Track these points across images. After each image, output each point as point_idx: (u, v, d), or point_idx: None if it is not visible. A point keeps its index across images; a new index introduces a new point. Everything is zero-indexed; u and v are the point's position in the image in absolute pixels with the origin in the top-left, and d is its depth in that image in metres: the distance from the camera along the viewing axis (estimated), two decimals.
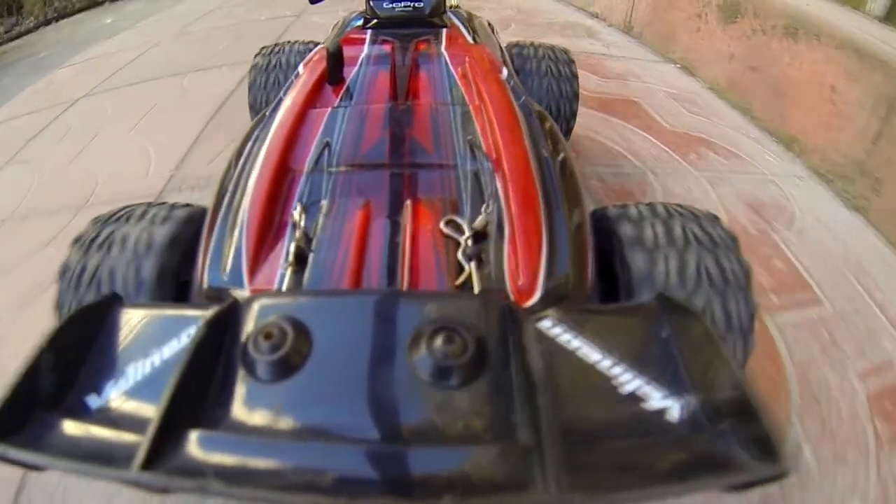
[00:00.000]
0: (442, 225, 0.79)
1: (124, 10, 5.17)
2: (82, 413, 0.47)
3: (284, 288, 0.71)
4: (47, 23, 4.88)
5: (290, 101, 1.11)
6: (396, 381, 0.48)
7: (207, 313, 0.52)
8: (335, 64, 1.21)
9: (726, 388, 0.45)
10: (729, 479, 0.39)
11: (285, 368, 0.48)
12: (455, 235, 0.77)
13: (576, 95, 1.70)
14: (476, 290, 0.70)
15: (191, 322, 0.54)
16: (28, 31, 4.70)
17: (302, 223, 0.80)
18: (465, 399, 0.46)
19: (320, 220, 0.82)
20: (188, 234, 0.89)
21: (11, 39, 4.49)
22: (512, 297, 0.71)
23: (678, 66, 2.77)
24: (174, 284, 0.85)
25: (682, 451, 0.42)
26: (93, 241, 0.87)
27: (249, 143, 1.03)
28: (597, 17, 3.64)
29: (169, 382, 0.45)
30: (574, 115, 1.74)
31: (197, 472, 0.40)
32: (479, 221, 0.79)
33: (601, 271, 0.88)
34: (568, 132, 1.78)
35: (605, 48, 3.03)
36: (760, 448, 0.40)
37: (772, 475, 0.38)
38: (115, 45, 3.68)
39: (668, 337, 0.53)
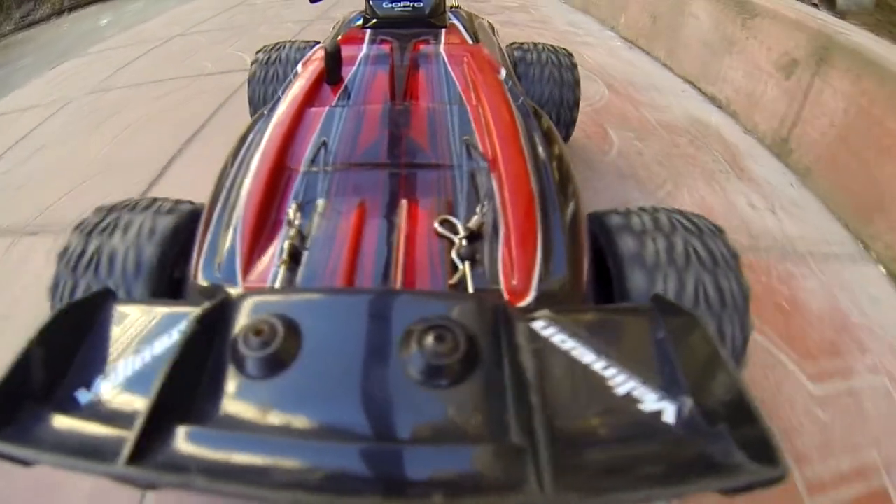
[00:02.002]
0: (437, 225, 0.79)
1: (124, 9, 5.14)
2: (72, 408, 0.47)
3: (277, 285, 0.71)
4: (59, 13, 4.91)
5: (288, 100, 1.11)
6: (386, 379, 0.47)
7: (198, 310, 0.52)
8: (334, 63, 1.20)
9: (723, 389, 0.44)
10: (726, 481, 0.39)
11: (275, 365, 0.48)
12: (450, 235, 0.77)
13: (576, 102, 1.73)
14: (470, 289, 0.69)
15: (182, 318, 0.53)
16: (42, 20, 4.75)
17: (297, 221, 0.79)
18: (456, 398, 0.46)
19: (315, 219, 0.81)
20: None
21: (25, 27, 4.51)
22: (506, 297, 0.70)
23: (882, 268, 1.53)
24: (169, 281, 0.85)
25: (678, 452, 0.41)
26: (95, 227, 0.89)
27: (247, 141, 1.03)
28: (721, 106, 2.38)
29: (158, 378, 0.44)
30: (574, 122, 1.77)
31: (183, 467, 0.39)
32: (474, 221, 0.79)
33: (596, 273, 0.88)
34: (567, 137, 1.79)
35: (773, 214, 1.74)
36: (758, 450, 0.39)
37: (770, 478, 0.37)
38: (37, 90, 3.04)
39: (664, 338, 0.52)
